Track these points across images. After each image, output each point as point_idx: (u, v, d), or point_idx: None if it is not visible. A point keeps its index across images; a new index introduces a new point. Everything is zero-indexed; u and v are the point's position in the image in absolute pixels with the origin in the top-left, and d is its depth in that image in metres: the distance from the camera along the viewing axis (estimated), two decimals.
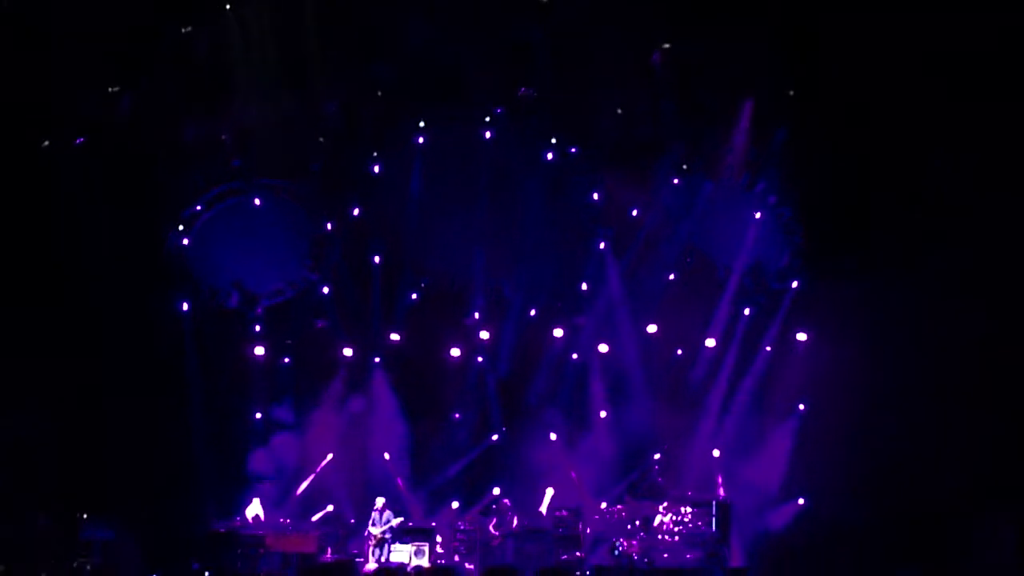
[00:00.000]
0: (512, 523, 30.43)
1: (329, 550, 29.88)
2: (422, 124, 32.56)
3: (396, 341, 32.87)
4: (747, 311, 33.20)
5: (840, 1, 30.12)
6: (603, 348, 33.30)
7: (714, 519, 30.14)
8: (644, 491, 31.84)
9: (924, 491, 30.25)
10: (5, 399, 28.61)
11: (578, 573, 28.80)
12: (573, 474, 32.49)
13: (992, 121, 29.71)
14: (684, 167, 33.02)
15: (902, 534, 30.44)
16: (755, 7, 30.40)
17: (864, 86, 30.53)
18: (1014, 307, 29.95)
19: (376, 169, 32.56)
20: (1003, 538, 29.49)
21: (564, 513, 30.83)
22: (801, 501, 31.76)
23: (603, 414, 33.29)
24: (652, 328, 33.04)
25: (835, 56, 30.54)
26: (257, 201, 31.92)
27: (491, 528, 30.53)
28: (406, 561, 28.91)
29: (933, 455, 30.24)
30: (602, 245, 33.23)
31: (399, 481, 32.32)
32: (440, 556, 30.06)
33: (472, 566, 30.03)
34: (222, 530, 29.15)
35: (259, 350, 31.97)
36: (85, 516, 28.64)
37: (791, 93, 31.97)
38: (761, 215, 32.97)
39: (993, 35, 29.18)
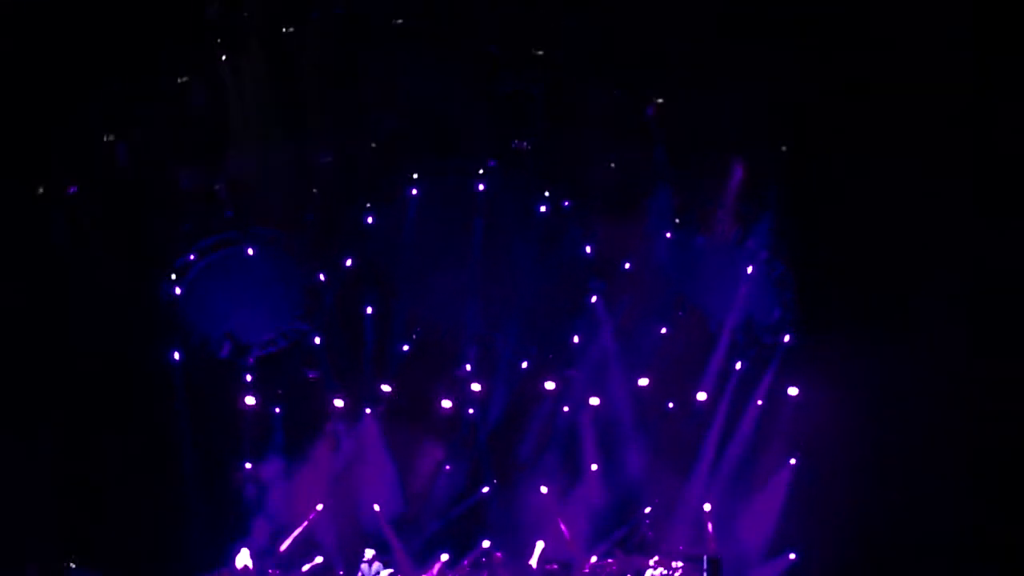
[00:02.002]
0: None
1: None
2: (415, 176, 32.61)
3: (387, 392, 32.76)
4: (739, 365, 33.17)
5: (833, 59, 30.34)
6: (594, 401, 33.19)
7: (705, 574, 30.12)
8: (635, 545, 31.79)
9: (916, 548, 30.20)
10: None
11: None
12: (562, 524, 32.40)
13: (989, 178, 29.98)
14: (677, 221, 33.10)
15: None
16: (749, 64, 30.59)
17: (858, 140, 30.74)
18: (1010, 361, 30.03)
19: (369, 220, 32.56)
20: None
21: (554, 567, 30.77)
22: (792, 556, 31.65)
23: (594, 467, 33.17)
24: (644, 381, 33.00)
25: (828, 112, 30.75)
26: (250, 251, 31.87)
27: None
28: None
29: (926, 511, 30.18)
30: (594, 298, 33.19)
31: (388, 533, 32.16)
32: None
33: None
34: None
35: (250, 400, 31.81)
36: (73, 565, 28.47)
37: (783, 148, 32.14)
38: (753, 270, 33.02)
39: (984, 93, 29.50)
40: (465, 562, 31.98)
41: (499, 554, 31.16)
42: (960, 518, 30.18)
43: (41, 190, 30.14)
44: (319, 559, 31.51)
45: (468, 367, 33.13)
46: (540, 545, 31.80)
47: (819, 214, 31.64)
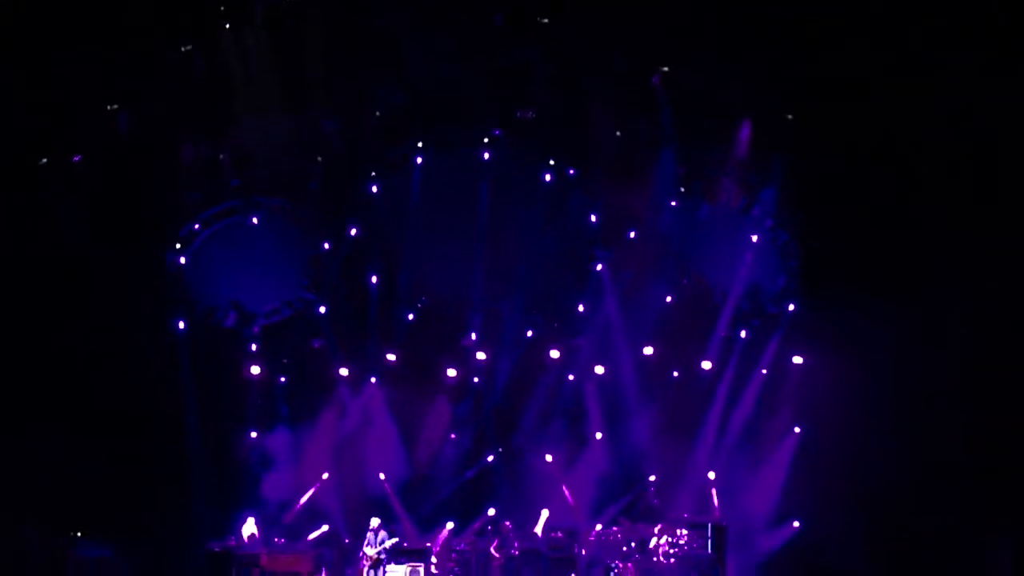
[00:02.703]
0: (514, 545, 30.34)
1: (324, 570, 29.78)
2: (421, 145, 32.55)
3: (392, 361, 32.81)
4: (744, 334, 33.28)
5: (838, 26, 30.24)
6: (599, 369, 33.27)
7: (710, 541, 30.28)
8: (640, 513, 31.89)
9: (921, 514, 30.33)
10: (1, 418, 28.60)
11: None
12: (567, 492, 32.51)
13: (990, 143, 29.93)
14: (682, 190, 33.13)
15: (898, 557, 30.45)
16: (754, 31, 30.51)
17: (862, 109, 30.67)
18: (1011, 330, 30.06)
19: (374, 189, 32.55)
20: (1000, 562, 29.57)
21: (559, 535, 30.85)
22: (796, 524, 31.76)
23: (599, 435, 33.27)
24: (649, 350, 33.03)
25: (834, 79, 30.67)
26: (255, 220, 31.89)
27: (492, 550, 30.39)
28: None
29: (930, 478, 30.28)
30: (599, 267, 33.25)
31: (394, 501, 32.27)
32: None
33: None
34: (217, 549, 29.14)
35: (255, 369, 31.87)
36: (80, 535, 28.58)
37: (789, 117, 32.08)
38: (758, 238, 33.05)
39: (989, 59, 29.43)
40: (471, 530, 32.05)
41: (505, 522, 31.18)
42: (964, 485, 30.29)
43: (44, 161, 30.09)
44: (325, 527, 31.53)
45: (473, 336, 33.20)
46: (545, 513, 31.91)
47: (824, 182, 31.57)
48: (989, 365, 30.54)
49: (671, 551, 29.78)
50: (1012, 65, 29.36)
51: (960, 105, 29.96)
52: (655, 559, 29.65)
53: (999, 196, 30.33)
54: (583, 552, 30.78)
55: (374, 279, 32.79)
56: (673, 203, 33.16)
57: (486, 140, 32.62)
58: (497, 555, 30.21)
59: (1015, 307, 30.34)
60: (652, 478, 32.77)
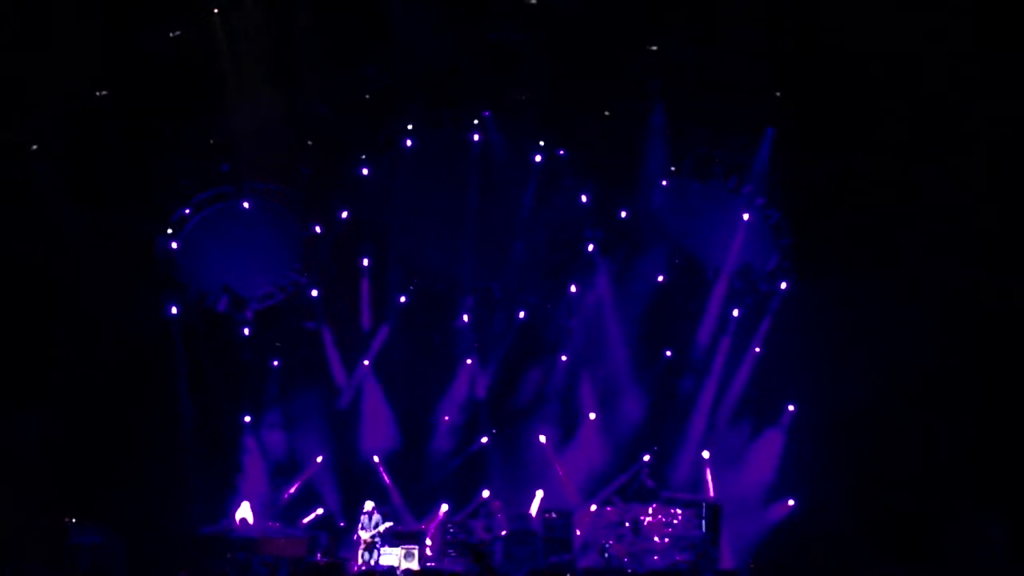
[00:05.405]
0: (502, 525, 30.38)
1: (319, 554, 29.80)
2: (410, 127, 32.53)
3: (385, 343, 32.81)
4: (736, 312, 33.20)
5: (830, 5, 30.19)
6: (592, 350, 33.24)
7: (704, 521, 30.29)
8: (634, 493, 31.85)
9: (915, 491, 30.31)
10: None
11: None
12: (561, 473, 32.52)
13: (985, 122, 29.84)
14: (672, 169, 33.04)
15: (893, 534, 30.46)
16: (743, 9, 30.43)
17: (853, 86, 30.61)
18: (1007, 307, 30.04)
19: (364, 172, 32.54)
20: (993, 537, 29.56)
21: (553, 515, 30.83)
22: (791, 502, 31.75)
23: (592, 416, 33.25)
24: (641, 329, 33.10)
25: (824, 56, 30.60)
26: (246, 204, 31.90)
27: (481, 530, 30.46)
28: (396, 564, 28.81)
29: (924, 455, 30.29)
30: (591, 247, 33.22)
31: (388, 484, 32.29)
32: (429, 559, 30.02)
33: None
34: (211, 533, 29.21)
35: (248, 353, 31.90)
36: (74, 520, 28.60)
37: (778, 94, 31.99)
38: (749, 217, 32.97)
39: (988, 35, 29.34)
40: (465, 512, 32.07)
41: (494, 502, 31.22)
42: (959, 461, 30.27)
43: (35, 147, 30.08)
44: (319, 511, 31.67)
45: (465, 317, 33.18)
46: (539, 494, 31.97)
47: (815, 160, 31.52)
48: (985, 341, 30.51)
49: (665, 531, 29.82)
50: (1008, 40, 29.28)
51: (956, 80, 29.85)
52: (649, 539, 29.65)
53: (996, 171, 30.25)
54: (577, 533, 30.80)
55: (366, 261, 32.79)
56: (664, 182, 33.07)
57: (476, 121, 32.59)
58: (485, 536, 30.24)
59: (1012, 281, 30.27)
60: (646, 458, 32.70)
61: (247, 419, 31.93)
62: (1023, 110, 29.50)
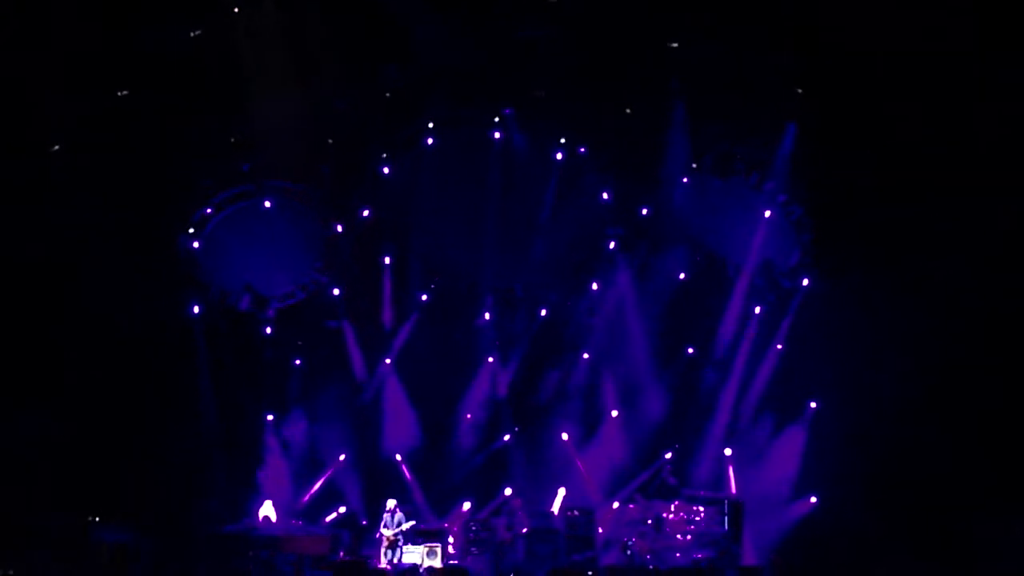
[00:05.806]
0: (523, 523, 30.37)
1: (341, 552, 29.85)
2: (431, 125, 32.54)
3: (407, 342, 32.84)
4: (758, 310, 33.14)
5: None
6: (614, 347, 33.21)
7: (726, 518, 30.22)
8: (656, 490, 31.78)
9: (938, 488, 30.15)
10: (18, 402, 28.74)
11: (590, 573, 28.78)
12: (581, 467, 32.51)
13: (1011, 121, 29.72)
14: (694, 166, 32.98)
15: (916, 532, 30.33)
16: (764, 5, 30.35)
17: (876, 81, 30.48)
18: None
19: (386, 170, 32.59)
20: (1017, 536, 29.41)
21: (576, 513, 30.81)
22: (813, 499, 31.68)
23: (614, 413, 33.26)
24: (663, 327, 33.07)
25: (846, 52, 30.47)
26: (267, 203, 31.95)
27: (502, 528, 30.46)
28: (418, 562, 28.81)
29: (947, 452, 30.13)
30: (612, 244, 33.19)
31: (410, 482, 32.32)
32: (452, 557, 30.04)
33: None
34: (234, 532, 29.29)
35: (270, 352, 31.96)
36: (96, 519, 28.70)
37: (799, 91, 31.90)
38: (771, 213, 32.87)
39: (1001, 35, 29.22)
40: (487, 510, 32.09)
41: (515, 500, 31.22)
42: (983, 458, 30.13)
43: (56, 147, 30.16)
44: (342, 509, 31.77)
45: (487, 315, 33.19)
46: (562, 492, 32.01)
47: (837, 156, 31.37)
48: (1009, 338, 30.36)
49: (687, 528, 29.76)
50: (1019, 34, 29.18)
51: (976, 76, 29.72)
52: (671, 536, 29.60)
53: (1017, 166, 30.11)
54: (599, 530, 30.79)
55: (387, 260, 32.83)
56: (685, 179, 33.00)
57: (496, 119, 32.59)
58: (507, 533, 30.25)
59: None
60: (668, 455, 32.68)
61: (269, 418, 32.03)
62: None
